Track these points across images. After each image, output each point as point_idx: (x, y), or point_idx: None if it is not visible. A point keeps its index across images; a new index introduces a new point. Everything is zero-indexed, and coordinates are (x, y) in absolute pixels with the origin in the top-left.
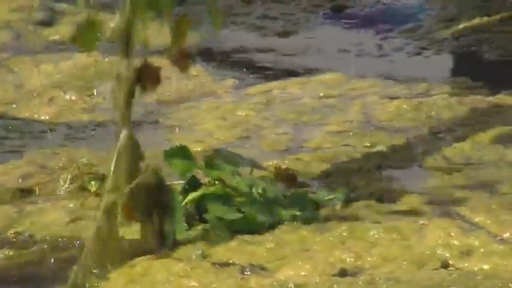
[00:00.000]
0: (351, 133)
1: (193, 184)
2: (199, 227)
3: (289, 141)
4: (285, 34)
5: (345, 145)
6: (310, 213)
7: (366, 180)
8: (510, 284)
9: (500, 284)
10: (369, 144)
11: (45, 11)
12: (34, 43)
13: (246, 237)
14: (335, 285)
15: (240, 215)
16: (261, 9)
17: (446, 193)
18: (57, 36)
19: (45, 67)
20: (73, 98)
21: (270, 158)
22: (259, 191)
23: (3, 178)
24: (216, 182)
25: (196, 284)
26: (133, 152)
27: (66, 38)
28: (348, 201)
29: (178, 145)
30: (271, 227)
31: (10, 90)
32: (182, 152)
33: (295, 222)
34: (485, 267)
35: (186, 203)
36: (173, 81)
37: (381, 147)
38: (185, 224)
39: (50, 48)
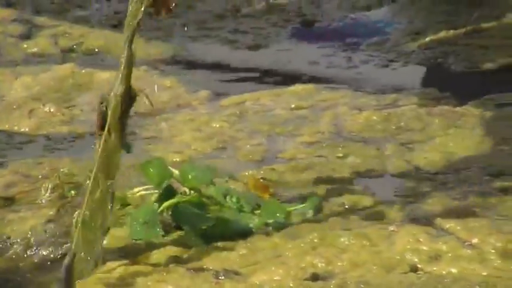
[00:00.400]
0: (324, 144)
1: (168, 193)
2: (175, 234)
3: (264, 152)
4: (255, 47)
5: (318, 156)
6: (282, 221)
7: (338, 190)
8: (477, 287)
9: (467, 287)
10: (341, 155)
11: (24, 24)
12: (13, 56)
13: (220, 243)
14: None
15: (213, 222)
16: (233, 24)
17: (416, 201)
18: (35, 49)
19: (24, 79)
20: (52, 110)
21: (246, 169)
22: (233, 199)
23: None
24: (192, 191)
25: None
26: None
27: (44, 50)
28: (319, 210)
29: (154, 156)
30: (244, 234)
31: None
32: (158, 163)
33: (267, 230)
34: (453, 271)
35: (162, 211)
36: (147, 92)
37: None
38: (160, 230)
39: (28, 60)
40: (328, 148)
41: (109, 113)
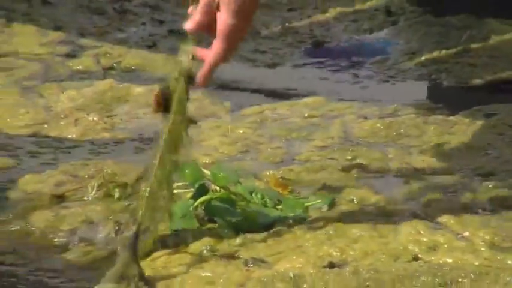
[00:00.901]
0: (334, 148)
1: (202, 190)
2: (208, 226)
3: (283, 155)
4: (273, 65)
5: (330, 158)
6: (301, 215)
7: (348, 188)
8: (471, 275)
9: (463, 274)
10: (350, 157)
11: (70, 45)
12: (60, 72)
13: (248, 235)
14: (326, 276)
15: (242, 216)
16: (253, 44)
17: (416, 197)
18: (80, 67)
19: (69, 92)
20: (95, 119)
21: (267, 169)
22: (258, 196)
23: (40, 185)
24: (221, 189)
25: (210, 274)
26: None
27: (87, 68)
28: (332, 205)
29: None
30: (269, 226)
31: (41, 112)
32: (192, 165)
33: (289, 222)
34: (449, 260)
35: (196, 206)
36: None
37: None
38: (196, 222)
39: (73, 76)
40: (339, 151)
41: (172, 92)
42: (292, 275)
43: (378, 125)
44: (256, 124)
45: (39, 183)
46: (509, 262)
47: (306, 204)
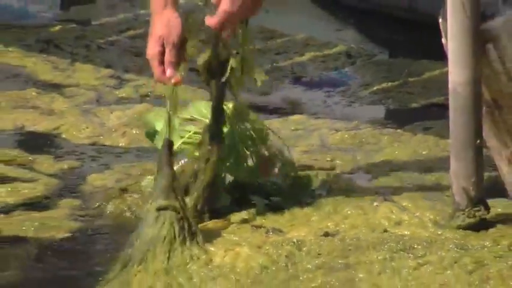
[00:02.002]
0: (316, 152)
1: (238, 183)
2: (246, 207)
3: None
4: (265, 93)
5: (315, 159)
6: (309, 199)
7: (335, 180)
8: (424, 243)
9: (417, 242)
10: (329, 159)
11: (116, 79)
12: (108, 99)
13: (274, 211)
14: (321, 242)
15: (271, 200)
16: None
17: (385, 188)
18: (124, 94)
19: (116, 113)
20: (137, 132)
21: None
22: (277, 187)
23: (104, 182)
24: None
25: (237, 238)
26: None
27: (129, 95)
28: (329, 191)
29: None
30: (290, 206)
31: (97, 127)
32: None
33: (301, 204)
34: (407, 232)
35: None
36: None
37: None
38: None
39: (119, 101)
40: (320, 155)
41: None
42: (295, 240)
43: (346, 136)
44: None
45: (103, 180)
46: (447, 235)
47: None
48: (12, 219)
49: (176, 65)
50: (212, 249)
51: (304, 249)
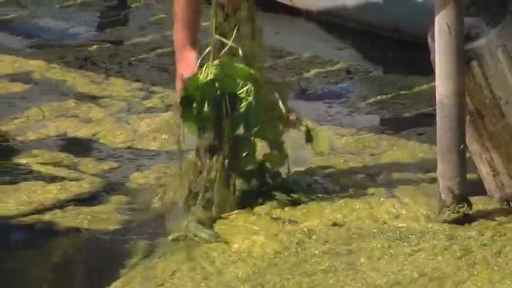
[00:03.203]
0: (331, 153)
1: (263, 182)
2: (269, 201)
3: (293, 158)
4: None
5: (324, 160)
6: (327, 194)
7: (348, 178)
8: (417, 233)
9: (412, 233)
10: (342, 161)
11: (145, 91)
12: (138, 108)
13: (293, 206)
14: (329, 231)
15: (292, 197)
16: None
17: (390, 185)
18: (151, 104)
19: (146, 120)
20: (166, 137)
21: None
22: (297, 184)
23: (146, 179)
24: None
25: (257, 228)
26: None
27: (156, 105)
28: (342, 189)
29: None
30: (308, 201)
31: (130, 134)
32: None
33: (319, 199)
34: (404, 225)
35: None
36: None
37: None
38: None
39: (147, 111)
40: (330, 156)
41: None
42: (306, 230)
43: (350, 140)
44: None
45: (144, 178)
46: (436, 228)
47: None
48: (66, 213)
49: None
50: (231, 237)
51: (314, 237)
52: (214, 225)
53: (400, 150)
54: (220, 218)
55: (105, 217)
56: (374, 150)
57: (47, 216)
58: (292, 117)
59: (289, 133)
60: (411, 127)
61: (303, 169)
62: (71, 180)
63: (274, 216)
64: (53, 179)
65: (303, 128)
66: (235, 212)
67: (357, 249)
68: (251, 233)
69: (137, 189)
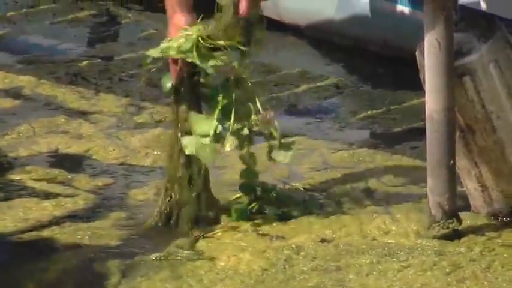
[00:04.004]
0: (322, 169)
1: (256, 197)
2: (259, 216)
3: (289, 172)
4: None
5: (320, 175)
6: (318, 211)
7: (342, 194)
8: (407, 249)
9: (401, 249)
10: (339, 176)
11: (135, 107)
12: (129, 124)
13: (284, 222)
14: (317, 247)
15: (281, 211)
16: None
17: (383, 199)
18: (141, 120)
19: (137, 136)
20: (158, 153)
21: (279, 181)
22: (291, 199)
23: (146, 196)
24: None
25: (246, 244)
26: None
27: (146, 121)
28: (337, 204)
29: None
30: (298, 217)
31: (122, 150)
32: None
33: (309, 214)
34: (393, 241)
35: (252, 207)
36: None
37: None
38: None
39: (138, 126)
40: (325, 171)
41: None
42: (294, 246)
43: (345, 155)
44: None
45: (144, 194)
46: (426, 243)
47: (321, 202)
48: (64, 229)
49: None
50: (218, 253)
51: (302, 253)
52: (196, 243)
53: (395, 164)
54: (206, 235)
55: (104, 233)
56: (369, 165)
57: (45, 233)
58: (267, 115)
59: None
60: (404, 141)
61: (298, 184)
62: (66, 196)
63: (262, 232)
64: (47, 195)
65: (274, 133)
66: (222, 228)
67: (345, 265)
68: (238, 249)
69: (136, 206)
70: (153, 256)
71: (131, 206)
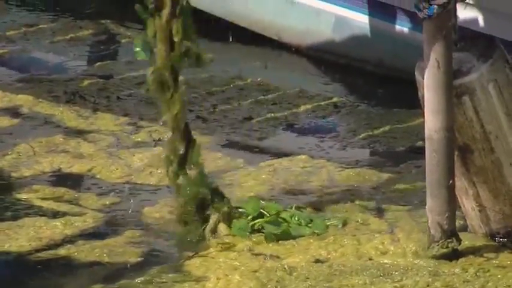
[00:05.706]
0: (330, 187)
1: (259, 215)
2: (257, 235)
3: (296, 191)
4: (263, 138)
5: (329, 193)
6: (322, 231)
7: (348, 213)
8: (401, 270)
9: (396, 270)
10: (347, 192)
11: (133, 125)
12: (127, 143)
13: (282, 242)
14: (310, 267)
15: (281, 230)
16: (249, 125)
17: (389, 219)
18: (139, 139)
19: (138, 155)
20: (162, 171)
21: (292, 199)
22: (296, 218)
23: (158, 214)
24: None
25: (238, 263)
26: None
27: (144, 139)
28: (344, 223)
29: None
30: (299, 237)
31: (125, 168)
32: (252, 199)
33: (314, 234)
34: (388, 261)
35: (254, 224)
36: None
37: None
38: (248, 233)
39: (135, 145)
40: (333, 190)
41: None
42: (287, 266)
43: (351, 173)
44: (272, 171)
45: (157, 212)
46: (422, 263)
47: (327, 223)
48: (79, 248)
49: None
50: (208, 274)
51: (295, 274)
52: (184, 264)
53: (402, 183)
54: (200, 254)
55: (121, 250)
56: (376, 184)
57: (62, 251)
58: None
59: (292, 166)
60: (408, 160)
61: (305, 203)
62: (74, 215)
63: (257, 251)
64: (54, 214)
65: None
66: (217, 247)
67: (338, 286)
68: (230, 269)
69: (150, 223)
70: (138, 280)
71: (145, 224)
